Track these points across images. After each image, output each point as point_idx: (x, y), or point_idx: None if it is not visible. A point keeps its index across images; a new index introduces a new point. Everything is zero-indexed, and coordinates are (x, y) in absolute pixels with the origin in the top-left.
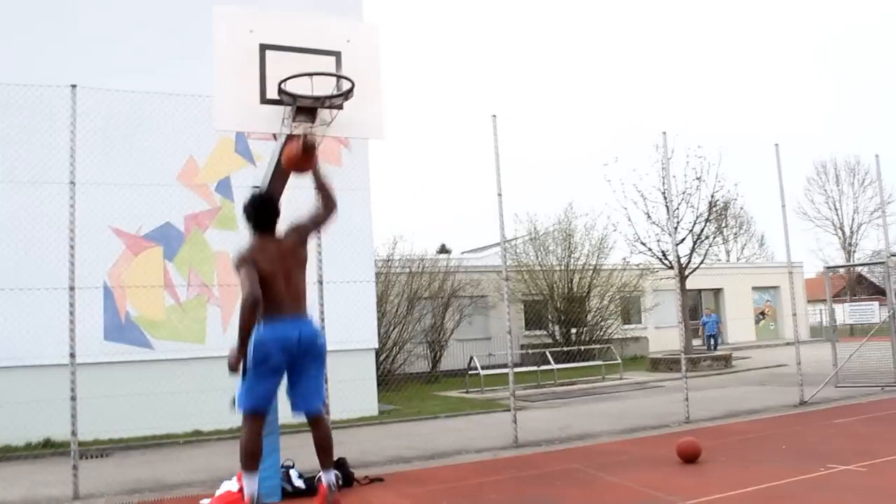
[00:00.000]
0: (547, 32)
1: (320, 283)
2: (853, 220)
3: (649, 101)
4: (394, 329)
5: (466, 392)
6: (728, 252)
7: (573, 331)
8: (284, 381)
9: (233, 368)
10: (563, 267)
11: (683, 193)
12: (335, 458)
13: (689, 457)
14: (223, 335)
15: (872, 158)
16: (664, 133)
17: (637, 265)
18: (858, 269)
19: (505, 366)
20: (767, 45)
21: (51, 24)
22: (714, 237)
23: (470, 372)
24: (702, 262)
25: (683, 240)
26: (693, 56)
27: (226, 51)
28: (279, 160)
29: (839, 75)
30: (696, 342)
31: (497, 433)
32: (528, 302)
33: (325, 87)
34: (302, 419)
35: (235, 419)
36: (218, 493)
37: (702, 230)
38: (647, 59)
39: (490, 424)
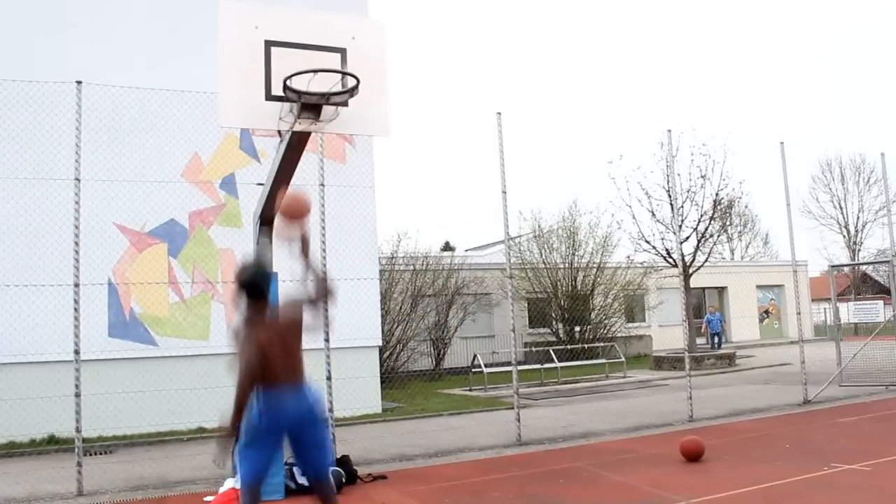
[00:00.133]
0: (552, 30)
1: None
2: (858, 218)
3: (654, 99)
4: (397, 326)
5: (470, 390)
6: (732, 250)
7: (577, 329)
8: None
9: (228, 436)
10: (567, 265)
11: (688, 191)
12: (338, 456)
13: (693, 455)
14: (227, 332)
15: (878, 157)
16: (669, 131)
17: (641, 263)
18: (863, 267)
19: (508, 363)
20: (773, 44)
21: (54, 21)
22: (718, 235)
23: (473, 370)
24: (706, 261)
25: (688, 238)
26: (699, 54)
27: (231, 47)
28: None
29: (845, 74)
30: (700, 340)
31: (500, 431)
32: (531, 300)
33: (330, 83)
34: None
35: None
36: (221, 490)
37: (706, 228)
38: (653, 58)
39: (493, 422)
